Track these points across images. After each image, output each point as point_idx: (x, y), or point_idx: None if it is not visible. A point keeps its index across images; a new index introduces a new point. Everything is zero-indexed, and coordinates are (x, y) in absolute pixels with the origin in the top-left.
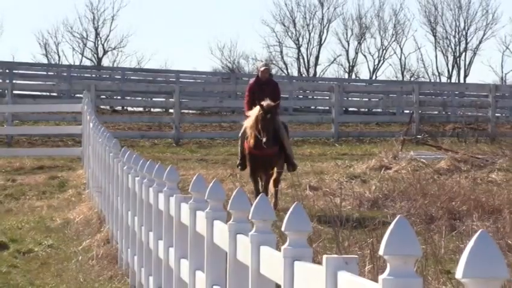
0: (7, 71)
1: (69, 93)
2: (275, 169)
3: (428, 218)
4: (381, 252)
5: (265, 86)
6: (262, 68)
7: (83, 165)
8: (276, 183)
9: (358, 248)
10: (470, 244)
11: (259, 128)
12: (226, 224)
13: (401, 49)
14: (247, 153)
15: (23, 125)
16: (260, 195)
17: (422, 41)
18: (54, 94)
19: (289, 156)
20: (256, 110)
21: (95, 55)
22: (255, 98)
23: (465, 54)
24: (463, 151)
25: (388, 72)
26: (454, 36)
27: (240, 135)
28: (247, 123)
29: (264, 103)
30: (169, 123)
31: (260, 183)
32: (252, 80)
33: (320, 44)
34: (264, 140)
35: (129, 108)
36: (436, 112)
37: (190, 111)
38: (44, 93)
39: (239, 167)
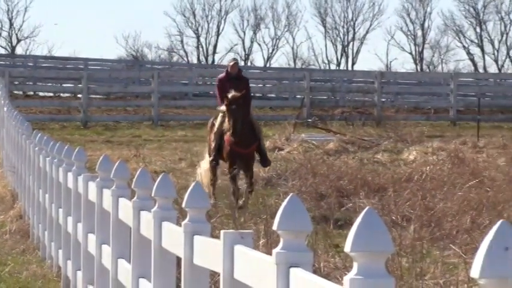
0: None
1: None
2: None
3: (319, 195)
4: (274, 227)
5: (237, 81)
6: (232, 63)
7: None
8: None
9: (253, 223)
10: (358, 220)
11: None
12: (130, 201)
13: (294, 39)
14: (229, 149)
15: None
16: (162, 174)
17: (313, 31)
18: None
19: (264, 152)
20: (225, 104)
21: (9, 44)
22: (227, 92)
23: (353, 44)
24: (351, 133)
25: (281, 60)
26: (343, 27)
27: (215, 131)
28: (220, 118)
29: (229, 94)
30: (77, 107)
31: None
32: (221, 75)
33: (218, 34)
34: (230, 131)
35: (41, 93)
36: (325, 97)
37: (97, 96)
38: None
39: (213, 162)
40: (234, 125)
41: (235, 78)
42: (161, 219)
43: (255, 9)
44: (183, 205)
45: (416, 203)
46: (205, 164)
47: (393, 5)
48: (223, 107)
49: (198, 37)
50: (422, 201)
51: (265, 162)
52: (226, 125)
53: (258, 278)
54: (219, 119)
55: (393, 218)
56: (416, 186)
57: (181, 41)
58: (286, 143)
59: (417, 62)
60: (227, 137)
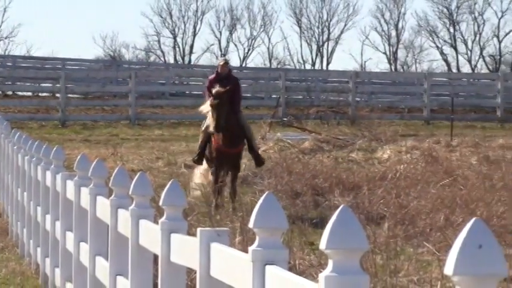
0: None
1: None
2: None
3: (294, 194)
4: (250, 225)
5: (226, 81)
6: (222, 63)
7: None
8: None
9: (229, 221)
10: (333, 218)
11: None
12: (108, 199)
13: (269, 39)
14: (215, 149)
15: None
16: (140, 173)
17: (289, 32)
18: None
19: (256, 152)
20: (209, 99)
21: None
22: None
23: (328, 44)
24: (326, 132)
25: (257, 60)
26: (318, 27)
27: (202, 129)
28: (209, 118)
29: (214, 90)
30: (55, 107)
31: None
32: (211, 76)
33: (194, 34)
34: (213, 125)
35: (19, 93)
36: (301, 97)
37: (75, 96)
38: None
39: (195, 160)
40: (218, 120)
41: (225, 78)
42: (138, 217)
43: (231, 9)
44: (160, 203)
45: (390, 201)
46: (203, 165)
47: (368, 6)
48: (204, 106)
49: (174, 37)
50: (397, 200)
51: (258, 161)
52: (209, 122)
53: (234, 275)
54: (207, 120)
55: (368, 215)
56: (390, 184)
57: (158, 41)
58: (261, 142)
59: (391, 62)
60: (214, 137)
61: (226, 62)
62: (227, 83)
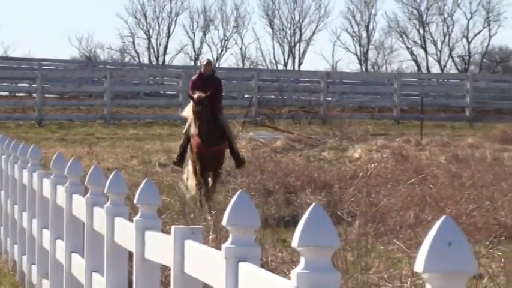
0: None
1: None
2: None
3: (266, 192)
4: (224, 223)
5: (208, 81)
6: (205, 62)
7: None
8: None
9: (203, 219)
10: (305, 216)
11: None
12: (83, 197)
13: (242, 40)
14: (195, 152)
15: None
16: (115, 171)
17: (261, 33)
18: None
19: (237, 152)
20: (191, 103)
21: None
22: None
23: (300, 45)
24: (298, 132)
25: (230, 60)
26: (290, 28)
27: (183, 132)
28: (190, 120)
29: (195, 95)
30: (32, 106)
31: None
32: (194, 77)
33: (168, 35)
34: (196, 132)
35: None
36: (273, 96)
37: (52, 96)
38: None
39: (175, 163)
40: (200, 126)
41: (208, 78)
42: (113, 215)
43: (205, 11)
44: (135, 201)
45: (361, 199)
46: (191, 167)
47: (339, 7)
48: (186, 110)
49: (149, 38)
50: (367, 198)
51: (238, 162)
52: (192, 128)
53: (208, 272)
54: (188, 122)
55: (339, 213)
56: (361, 183)
57: (133, 42)
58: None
59: (362, 62)
60: (194, 139)
61: (210, 63)
62: (210, 84)
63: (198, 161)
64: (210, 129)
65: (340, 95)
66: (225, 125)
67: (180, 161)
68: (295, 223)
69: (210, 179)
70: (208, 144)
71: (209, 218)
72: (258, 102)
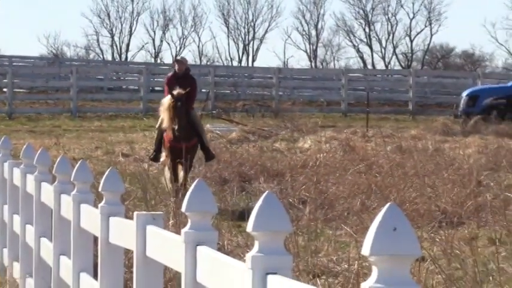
0: None
1: None
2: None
3: (222, 180)
4: (183, 209)
5: (183, 80)
6: (178, 60)
7: None
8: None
9: (163, 205)
10: (259, 203)
11: (172, 116)
12: (51, 185)
13: (199, 38)
14: (168, 146)
15: None
16: (80, 161)
17: (217, 31)
18: None
19: (207, 147)
20: (167, 99)
21: None
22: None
23: (253, 42)
24: (252, 124)
25: (188, 57)
26: (244, 27)
27: (157, 126)
28: (163, 114)
29: (175, 92)
30: (3, 100)
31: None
32: (169, 74)
33: (130, 34)
34: (176, 127)
35: None
36: (228, 91)
37: (21, 90)
38: None
39: (151, 158)
40: (180, 122)
41: (182, 76)
42: (80, 202)
43: (164, 11)
44: (100, 189)
45: (311, 187)
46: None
47: (290, 8)
48: (163, 101)
49: (112, 36)
50: (317, 186)
51: (207, 156)
52: (165, 122)
53: (168, 255)
54: (161, 118)
55: (290, 200)
56: (311, 171)
57: (97, 40)
58: None
59: (311, 59)
60: (166, 134)
61: (182, 62)
62: (184, 81)
63: (170, 155)
64: (185, 125)
65: (291, 90)
66: (196, 121)
67: (156, 156)
68: (249, 210)
69: (181, 172)
70: (184, 139)
71: (170, 204)
72: (214, 97)
